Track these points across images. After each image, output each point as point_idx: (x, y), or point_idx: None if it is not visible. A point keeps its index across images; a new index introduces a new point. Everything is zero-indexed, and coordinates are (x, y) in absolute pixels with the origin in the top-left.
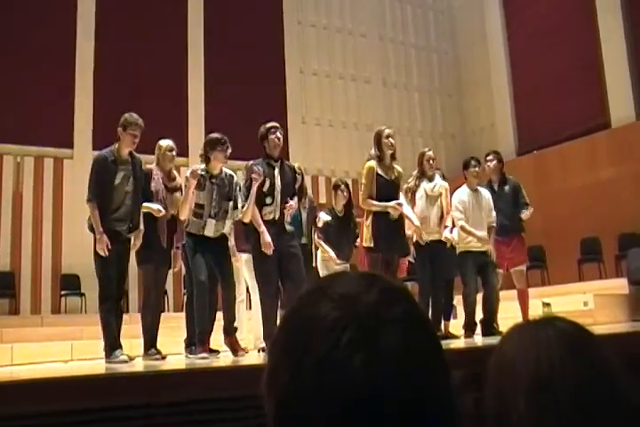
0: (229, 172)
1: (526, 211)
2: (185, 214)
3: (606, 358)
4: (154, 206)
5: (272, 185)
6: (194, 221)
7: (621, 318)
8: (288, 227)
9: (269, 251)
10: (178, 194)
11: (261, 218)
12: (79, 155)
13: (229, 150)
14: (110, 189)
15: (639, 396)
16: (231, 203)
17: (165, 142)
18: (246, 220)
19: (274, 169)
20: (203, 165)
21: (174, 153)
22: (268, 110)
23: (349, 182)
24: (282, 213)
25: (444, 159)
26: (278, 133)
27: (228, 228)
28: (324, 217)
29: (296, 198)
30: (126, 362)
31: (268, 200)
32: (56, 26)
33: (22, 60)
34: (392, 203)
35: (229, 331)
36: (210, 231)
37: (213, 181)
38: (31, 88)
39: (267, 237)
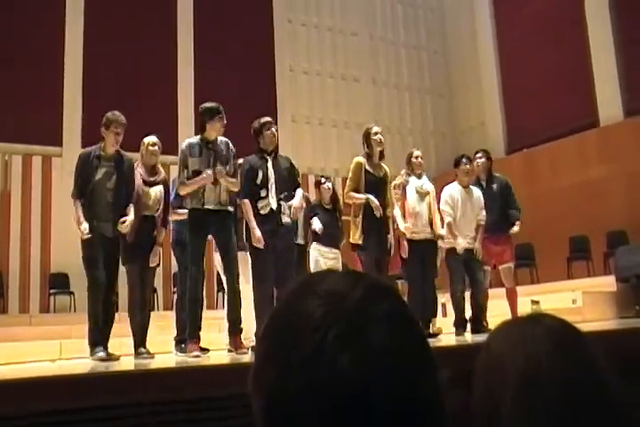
0: (225, 139)
1: (515, 227)
2: (185, 191)
3: (593, 355)
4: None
5: (265, 176)
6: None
7: (609, 316)
8: (285, 219)
9: (260, 245)
10: (157, 188)
11: (258, 212)
12: (68, 153)
13: (225, 121)
14: (91, 184)
15: (624, 392)
16: (227, 167)
17: (148, 138)
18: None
19: (266, 162)
20: (196, 138)
21: (157, 148)
22: (259, 108)
23: (339, 181)
24: (279, 205)
25: (434, 158)
26: (273, 129)
27: (227, 197)
28: (316, 224)
29: (298, 194)
30: (103, 360)
31: (263, 193)
32: (45, 24)
33: (11, 57)
34: (375, 202)
35: (234, 331)
36: (210, 199)
37: (210, 146)
38: (20, 86)
39: (257, 233)
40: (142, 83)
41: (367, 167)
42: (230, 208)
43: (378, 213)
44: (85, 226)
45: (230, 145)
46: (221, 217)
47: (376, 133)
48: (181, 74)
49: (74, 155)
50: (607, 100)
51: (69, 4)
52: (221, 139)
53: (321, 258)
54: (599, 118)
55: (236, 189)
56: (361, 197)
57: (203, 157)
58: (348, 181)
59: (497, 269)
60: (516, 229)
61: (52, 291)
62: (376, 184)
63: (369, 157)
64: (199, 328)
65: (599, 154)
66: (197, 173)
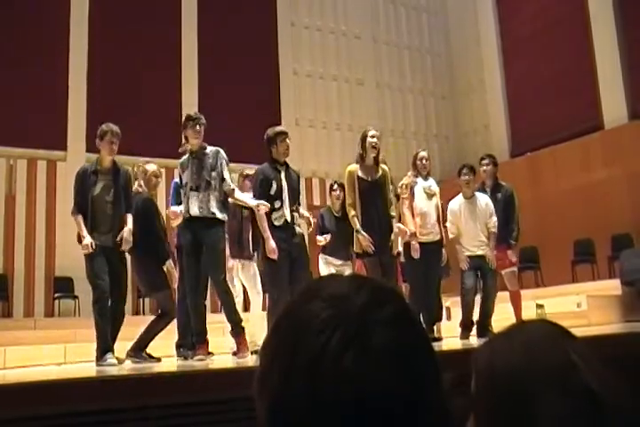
0: (214, 148)
1: (512, 252)
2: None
3: (587, 361)
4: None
5: (279, 188)
6: (183, 200)
7: (614, 319)
8: (298, 229)
9: (274, 256)
10: None
11: (272, 223)
12: (72, 157)
13: (200, 127)
14: (89, 199)
15: (632, 398)
16: (214, 173)
17: (151, 167)
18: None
19: (280, 173)
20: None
21: (159, 180)
22: (262, 112)
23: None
24: (292, 216)
25: (437, 161)
26: (288, 141)
27: (217, 204)
28: (320, 238)
29: (303, 211)
30: (115, 365)
31: (277, 204)
32: (49, 27)
33: (16, 61)
34: (365, 241)
35: (237, 331)
36: (194, 206)
37: (193, 156)
38: (24, 89)
39: (271, 244)
40: (147, 86)
41: (359, 173)
42: (220, 216)
43: (370, 249)
44: (88, 241)
45: (221, 153)
46: (207, 223)
47: (372, 137)
48: (185, 77)
49: (78, 159)
50: (611, 103)
51: (74, 9)
52: (211, 148)
53: (329, 267)
54: (603, 121)
55: (231, 199)
56: (356, 224)
57: (189, 169)
58: (346, 193)
59: (499, 273)
60: (513, 258)
61: (56, 295)
62: (370, 188)
63: (362, 159)
64: (205, 332)
65: (603, 157)
66: (185, 185)
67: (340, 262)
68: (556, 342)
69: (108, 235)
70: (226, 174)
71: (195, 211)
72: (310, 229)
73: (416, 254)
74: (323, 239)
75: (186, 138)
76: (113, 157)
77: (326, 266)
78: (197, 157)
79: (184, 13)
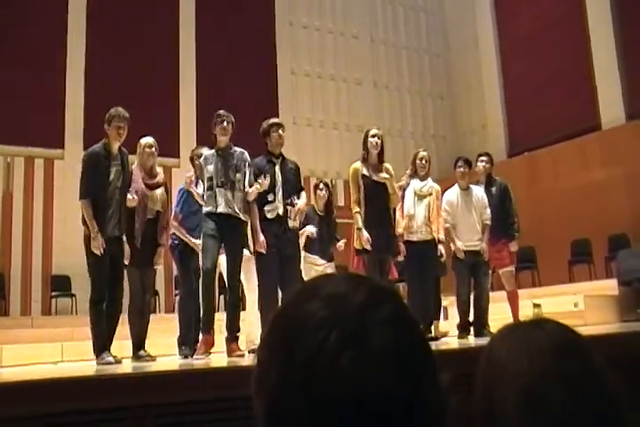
0: (240, 150)
1: (514, 242)
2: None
3: (596, 360)
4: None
5: (273, 181)
6: (207, 194)
7: (611, 319)
8: (291, 223)
9: (263, 250)
10: (159, 191)
11: (265, 216)
12: (70, 155)
13: (227, 124)
14: (105, 184)
15: (629, 397)
16: (239, 175)
17: (145, 140)
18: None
19: (274, 165)
20: (212, 150)
21: (154, 149)
22: (260, 111)
23: (340, 183)
24: (285, 210)
25: (435, 161)
26: (280, 131)
27: (240, 204)
28: (310, 229)
29: (303, 196)
30: (111, 364)
31: (270, 197)
32: (46, 25)
33: (13, 60)
34: (364, 235)
35: (231, 338)
36: (221, 203)
37: (219, 153)
38: (21, 88)
39: (261, 238)
40: (144, 86)
41: (364, 172)
42: (243, 217)
43: (368, 246)
44: (100, 241)
45: (245, 155)
46: (233, 224)
47: (373, 136)
48: (183, 77)
49: (76, 157)
50: (609, 103)
51: (72, 9)
52: (237, 149)
53: (312, 266)
54: (601, 121)
55: (250, 199)
56: (358, 221)
57: (213, 165)
58: (351, 190)
59: (495, 272)
60: (514, 247)
61: (53, 293)
62: (374, 187)
63: (365, 159)
64: (212, 322)
65: (601, 157)
66: (210, 178)
67: (322, 262)
68: (540, 358)
69: (115, 224)
70: (247, 178)
71: (222, 208)
72: (298, 219)
73: (401, 256)
74: (310, 233)
75: (214, 136)
76: (120, 143)
77: (308, 266)
78: (223, 155)
79: (182, 13)
